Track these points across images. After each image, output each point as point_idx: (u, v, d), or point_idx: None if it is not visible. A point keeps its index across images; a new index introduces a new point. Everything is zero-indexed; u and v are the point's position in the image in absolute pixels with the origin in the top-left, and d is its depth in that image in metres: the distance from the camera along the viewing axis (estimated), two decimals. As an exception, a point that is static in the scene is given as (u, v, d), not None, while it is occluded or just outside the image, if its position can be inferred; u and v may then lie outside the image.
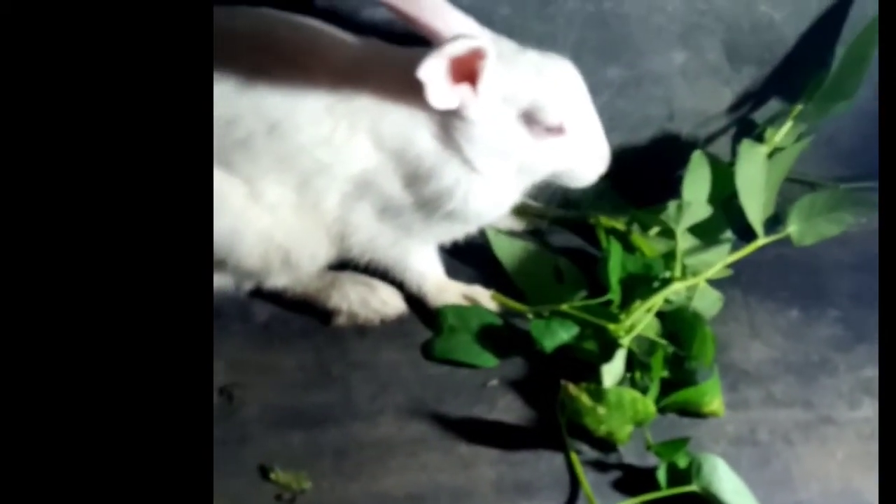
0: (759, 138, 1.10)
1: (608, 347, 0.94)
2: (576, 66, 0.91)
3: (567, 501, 0.90)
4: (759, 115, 1.17)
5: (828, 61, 1.11)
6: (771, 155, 1.08)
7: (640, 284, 0.99)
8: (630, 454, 0.93)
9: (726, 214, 1.07)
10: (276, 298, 1.05)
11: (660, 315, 0.99)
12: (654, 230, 1.09)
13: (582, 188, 0.96)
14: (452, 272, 1.06)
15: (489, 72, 0.86)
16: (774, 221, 1.08)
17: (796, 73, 1.14)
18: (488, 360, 1.00)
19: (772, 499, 0.89)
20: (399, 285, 1.04)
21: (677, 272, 0.99)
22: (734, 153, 1.13)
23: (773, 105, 1.17)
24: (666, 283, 0.99)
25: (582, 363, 0.96)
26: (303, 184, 0.92)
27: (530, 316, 1.01)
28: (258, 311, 1.05)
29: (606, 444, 0.93)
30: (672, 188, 1.09)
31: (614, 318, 0.95)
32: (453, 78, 0.84)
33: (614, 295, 0.98)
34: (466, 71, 0.85)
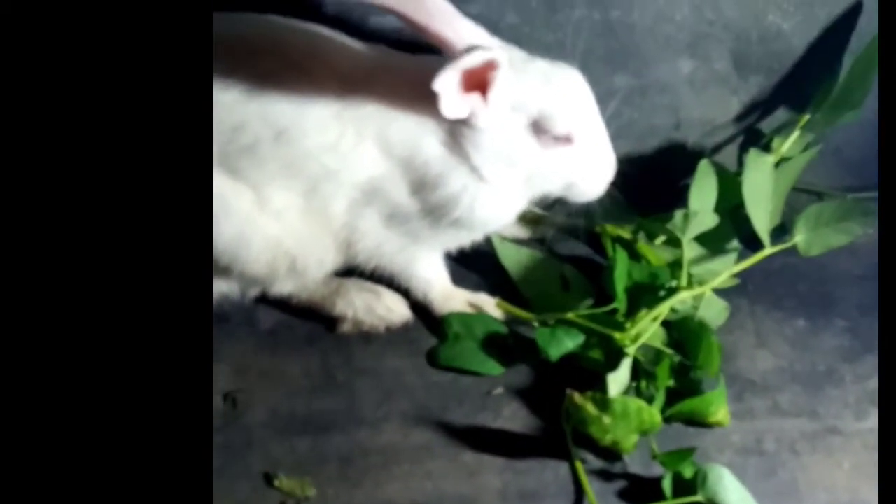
0: (767, 148, 1.10)
1: (614, 356, 0.93)
2: (583, 75, 0.91)
3: (572, 510, 0.90)
4: (767, 125, 1.17)
5: (836, 71, 1.11)
6: (778, 164, 1.08)
7: (646, 293, 0.99)
8: (635, 463, 0.93)
9: (733, 224, 1.07)
10: (282, 305, 1.05)
11: (666, 324, 0.99)
12: (661, 239, 1.08)
13: (588, 201, 0.95)
14: (458, 280, 1.06)
15: (501, 82, 0.86)
16: (781, 231, 1.08)
17: (804, 83, 1.13)
18: (493, 367, 1.00)
19: (778, 510, 0.89)
20: (405, 292, 1.04)
21: (683, 281, 0.99)
22: (741, 163, 1.13)
23: (781, 114, 1.17)
24: (672, 292, 0.98)
25: (587, 372, 0.96)
26: (310, 190, 0.93)
27: (536, 324, 1.01)
28: (264, 317, 1.05)
29: (612, 454, 0.92)
30: (678, 197, 1.08)
31: (620, 327, 0.94)
32: (464, 87, 0.85)
33: (620, 304, 0.98)
34: (477, 80, 0.85)
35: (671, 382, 0.95)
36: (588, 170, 0.93)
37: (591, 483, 0.90)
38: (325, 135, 0.90)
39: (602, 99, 0.93)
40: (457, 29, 0.87)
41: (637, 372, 0.95)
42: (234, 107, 0.88)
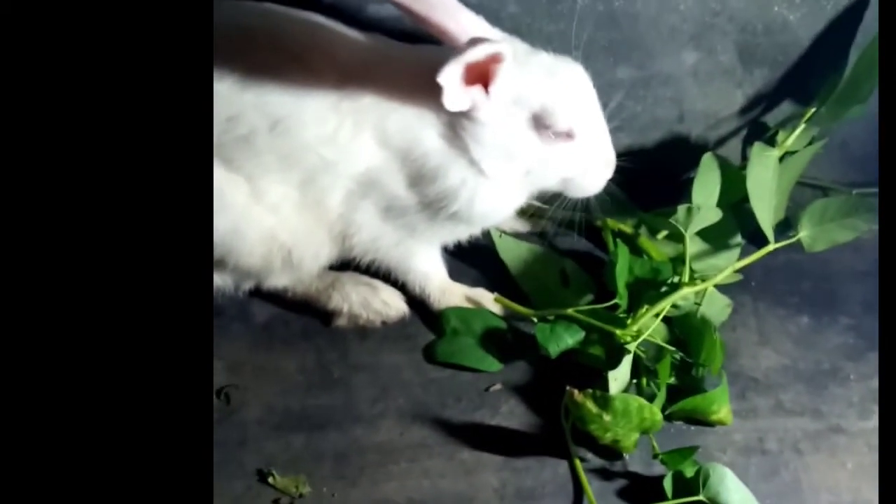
0: (771, 142, 1.08)
1: (614, 353, 0.92)
2: (585, 67, 0.90)
3: (571, 510, 0.89)
4: (772, 118, 1.16)
5: (842, 65, 1.10)
6: (782, 158, 1.07)
7: (647, 289, 0.98)
8: (636, 462, 0.92)
9: (736, 218, 1.06)
10: (277, 299, 1.04)
11: (667, 320, 0.98)
12: (662, 234, 1.07)
13: (587, 197, 0.94)
14: (456, 274, 1.05)
15: (504, 75, 0.84)
16: (785, 226, 1.07)
17: (810, 76, 1.12)
18: (492, 364, 0.99)
19: (780, 510, 0.88)
20: (401, 287, 1.03)
21: (686, 277, 0.97)
22: (745, 156, 1.12)
23: (786, 108, 1.15)
24: (674, 287, 0.97)
25: (587, 369, 0.94)
26: (306, 182, 0.91)
27: (535, 320, 0.99)
28: (258, 311, 1.04)
29: (612, 452, 0.91)
30: (681, 191, 1.07)
31: (621, 323, 0.93)
32: (467, 80, 0.83)
33: (621, 299, 0.97)
34: (480, 73, 0.84)
35: (672, 380, 0.94)
36: (588, 166, 0.91)
37: (591, 482, 0.89)
38: (322, 126, 0.88)
39: (604, 91, 0.92)
40: (458, 20, 0.85)
41: (638, 369, 0.94)
42: (229, 97, 0.87)
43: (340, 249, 0.97)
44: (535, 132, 0.88)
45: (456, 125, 0.87)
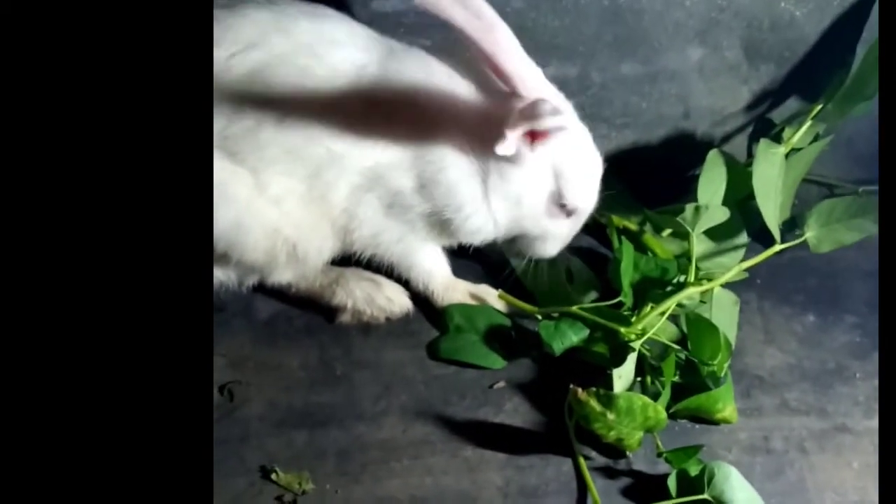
0: (777, 138, 1.07)
1: (619, 351, 0.92)
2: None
3: (574, 508, 0.88)
4: (778, 115, 1.15)
5: (848, 61, 1.09)
6: (788, 155, 1.06)
7: (652, 287, 0.97)
8: (640, 461, 0.91)
9: (742, 216, 1.05)
10: (280, 295, 1.03)
11: (672, 318, 0.97)
12: (667, 231, 1.06)
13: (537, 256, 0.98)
14: (460, 271, 1.04)
15: (554, 143, 0.88)
16: (791, 224, 1.06)
17: (816, 73, 1.11)
18: (495, 361, 0.98)
19: (785, 509, 0.87)
20: (405, 283, 1.02)
21: (692, 277, 0.97)
22: (751, 153, 1.11)
23: (792, 104, 1.15)
24: (680, 287, 0.96)
25: (591, 367, 0.94)
26: (312, 175, 0.91)
27: (539, 317, 0.99)
28: (261, 307, 1.03)
29: (616, 450, 0.91)
30: (686, 188, 1.06)
31: (625, 321, 0.93)
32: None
33: (626, 297, 0.96)
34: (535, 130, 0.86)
35: (677, 378, 0.93)
36: (559, 239, 0.96)
37: (595, 480, 0.89)
38: (332, 118, 0.88)
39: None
40: (518, 69, 0.86)
41: (642, 367, 0.94)
42: (235, 89, 0.86)
43: (343, 244, 0.97)
44: (549, 199, 0.91)
45: (488, 155, 0.88)
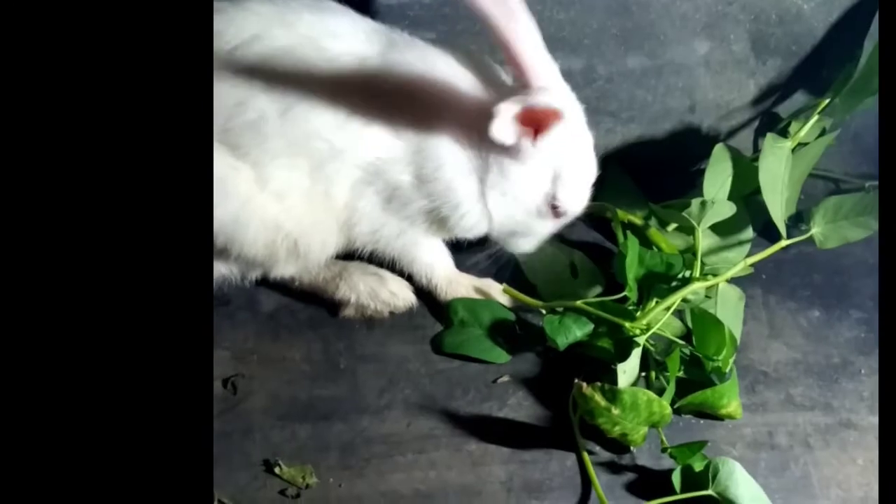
0: (784, 132, 1.07)
1: (623, 346, 0.91)
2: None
3: (578, 503, 0.88)
4: (784, 109, 1.14)
5: (856, 55, 1.08)
6: (795, 150, 1.05)
7: (657, 282, 0.97)
8: (644, 456, 0.91)
9: (747, 210, 1.04)
10: (284, 288, 1.03)
11: (677, 313, 0.97)
12: (672, 225, 1.06)
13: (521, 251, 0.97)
14: (463, 265, 1.04)
15: (555, 135, 0.86)
16: (797, 219, 1.05)
17: (823, 67, 1.11)
18: (499, 355, 0.98)
19: (790, 505, 0.87)
20: (409, 277, 1.02)
21: (697, 272, 0.96)
22: (757, 147, 1.10)
23: (799, 98, 1.14)
24: (685, 282, 0.96)
25: (596, 361, 0.94)
26: (315, 169, 0.90)
27: (543, 311, 0.99)
28: (265, 300, 1.03)
29: (620, 446, 0.91)
30: (692, 182, 1.06)
31: (630, 316, 0.92)
32: (521, 120, 0.84)
33: (630, 292, 0.96)
34: (536, 120, 0.84)
35: (682, 373, 0.93)
36: (539, 237, 0.96)
37: (599, 475, 0.89)
38: (334, 112, 0.87)
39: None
40: (533, 62, 0.85)
41: (647, 362, 0.94)
42: (237, 82, 0.86)
43: (346, 238, 0.97)
44: (543, 199, 0.90)
45: (489, 150, 0.87)
